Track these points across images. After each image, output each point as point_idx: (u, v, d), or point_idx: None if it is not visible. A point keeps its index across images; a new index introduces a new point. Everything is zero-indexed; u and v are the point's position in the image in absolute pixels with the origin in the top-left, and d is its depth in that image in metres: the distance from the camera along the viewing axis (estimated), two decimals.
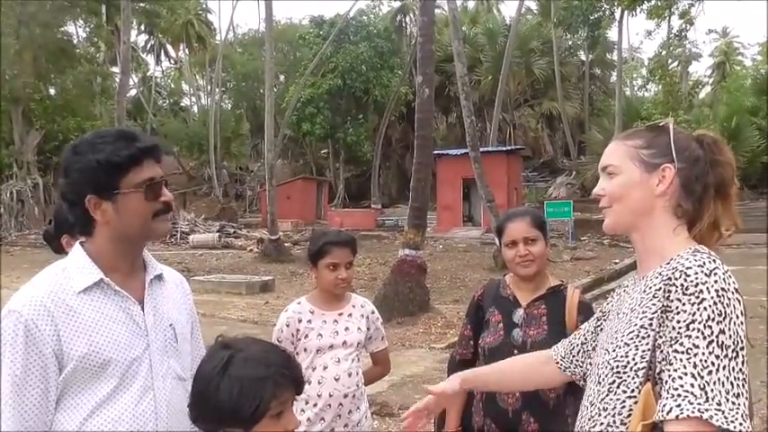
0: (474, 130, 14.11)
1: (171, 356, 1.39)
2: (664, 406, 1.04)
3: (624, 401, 1.12)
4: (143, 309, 1.37)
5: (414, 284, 8.78)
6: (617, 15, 26.16)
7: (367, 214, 28.84)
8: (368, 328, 2.39)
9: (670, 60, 30.00)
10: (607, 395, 1.14)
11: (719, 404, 1.01)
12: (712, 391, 1.02)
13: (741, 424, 1.01)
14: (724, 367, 1.04)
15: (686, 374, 1.03)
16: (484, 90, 31.65)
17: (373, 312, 2.43)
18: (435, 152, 20.46)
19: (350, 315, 2.36)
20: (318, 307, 2.34)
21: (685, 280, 1.08)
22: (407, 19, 35.22)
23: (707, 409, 1.01)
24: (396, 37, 33.76)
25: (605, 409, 1.14)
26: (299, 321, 2.31)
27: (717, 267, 1.10)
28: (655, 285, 1.14)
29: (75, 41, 29.13)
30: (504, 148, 25.08)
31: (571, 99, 32.75)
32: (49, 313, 1.25)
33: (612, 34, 30.71)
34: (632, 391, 1.11)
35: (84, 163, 1.30)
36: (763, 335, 7.54)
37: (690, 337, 1.05)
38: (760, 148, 25.22)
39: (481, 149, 14.83)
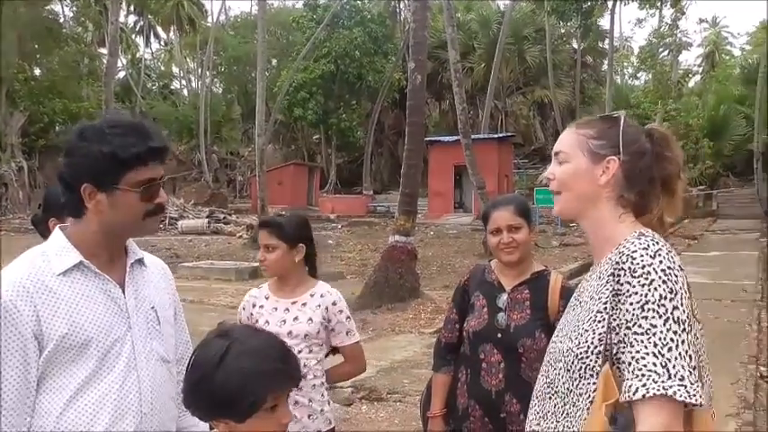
0: (466, 117, 14.10)
1: (154, 338, 1.40)
2: (630, 386, 1.07)
3: (590, 385, 1.15)
4: (124, 292, 1.37)
5: (404, 270, 8.81)
6: (609, 4, 26.15)
7: (358, 200, 28.84)
8: (327, 320, 2.24)
9: (660, 49, 30.06)
10: (579, 381, 1.17)
11: (682, 378, 1.05)
12: (674, 367, 1.06)
13: (701, 396, 1.06)
14: (683, 341, 1.08)
15: (648, 354, 1.07)
16: (477, 77, 31.58)
17: (335, 304, 2.26)
18: (427, 139, 20.42)
19: (304, 304, 2.24)
20: (274, 293, 2.29)
21: (632, 263, 1.12)
22: (402, 4, 34.92)
23: (670, 386, 1.05)
24: (390, 22, 33.52)
25: (580, 395, 1.17)
26: (253, 306, 2.29)
27: (660, 248, 1.14)
28: (606, 271, 1.18)
29: (61, 21, 28.66)
30: (496, 136, 25.10)
31: (563, 87, 32.78)
32: (29, 294, 1.25)
33: (605, 23, 30.72)
34: (597, 374, 1.14)
35: (89, 150, 1.27)
36: (743, 318, 7.68)
37: (646, 318, 1.09)
38: (746, 136, 25.51)
39: (473, 136, 14.83)
